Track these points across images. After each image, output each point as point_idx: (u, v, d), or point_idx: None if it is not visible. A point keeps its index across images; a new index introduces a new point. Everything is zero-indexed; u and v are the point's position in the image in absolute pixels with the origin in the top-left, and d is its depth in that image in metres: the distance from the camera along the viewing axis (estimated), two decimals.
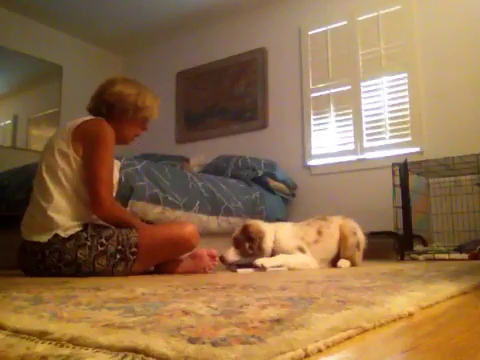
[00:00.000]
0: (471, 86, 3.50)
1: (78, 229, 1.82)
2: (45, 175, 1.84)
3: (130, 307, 0.82)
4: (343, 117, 4.09)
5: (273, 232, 2.33)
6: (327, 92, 4.19)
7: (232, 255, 2.24)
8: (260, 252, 2.25)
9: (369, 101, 3.97)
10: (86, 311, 0.79)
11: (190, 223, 2.09)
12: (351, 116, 4.03)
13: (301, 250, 2.31)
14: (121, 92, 1.99)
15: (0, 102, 4.57)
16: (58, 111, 4.89)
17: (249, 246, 2.25)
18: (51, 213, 1.78)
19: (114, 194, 2.01)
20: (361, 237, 2.49)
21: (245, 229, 2.30)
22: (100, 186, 1.80)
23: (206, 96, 4.96)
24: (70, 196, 1.83)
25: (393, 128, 3.82)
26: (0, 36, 4.46)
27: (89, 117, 1.95)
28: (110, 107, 1.97)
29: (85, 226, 1.84)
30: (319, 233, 2.42)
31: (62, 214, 1.80)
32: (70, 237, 1.78)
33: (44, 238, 1.77)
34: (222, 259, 2.22)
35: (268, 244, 2.28)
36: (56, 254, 1.76)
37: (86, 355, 0.51)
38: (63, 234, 1.78)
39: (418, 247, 3.11)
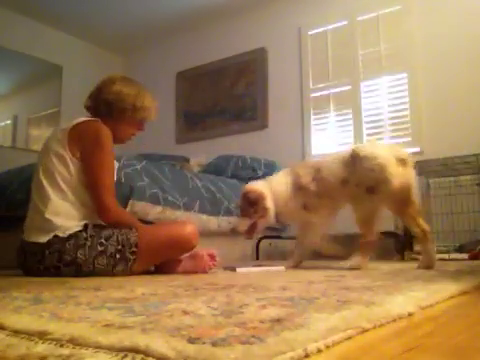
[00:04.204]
0: (471, 86, 3.50)
1: (77, 229, 1.82)
2: (42, 177, 1.84)
3: (130, 307, 0.82)
4: (343, 117, 4.09)
5: (270, 192, 2.26)
6: (327, 92, 4.19)
7: (243, 224, 2.25)
8: (266, 212, 2.22)
9: (369, 101, 3.97)
10: (86, 311, 0.79)
11: (190, 223, 2.09)
12: (351, 116, 4.03)
13: (305, 208, 2.24)
14: (120, 91, 1.98)
15: (0, 102, 4.57)
16: (58, 111, 4.89)
17: (254, 211, 2.23)
18: (49, 216, 1.78)
19: None
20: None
21: (245, 196, 2.27)
22: (103, 193, 1.82)
23: (206, 96, 4.96)
24: (68, 197, 1.82)
25: (393, 128, 3.82)
26: (0, 36, 4.46)
27: (84, 118, 1.94)
28: (109, 106, 1.96)
29: (85, 226, 1.84)
30: (318, 170, 2.22)
31: (60, 216, 1.80)
32: (69, 237, 1.78)
33: (43, 239, 1.77)
34: (236, 230, 2.25)
35: (270, 204, 2.24)
36: (56, 254, 1.76)
37: (86, 355, 0.51)
38: (62, 234, 1.78)
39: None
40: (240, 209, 2.30)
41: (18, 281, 1.58)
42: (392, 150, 2.13)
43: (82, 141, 1.84)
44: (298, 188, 2.24)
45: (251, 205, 2.22)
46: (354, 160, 2.12)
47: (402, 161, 2.06)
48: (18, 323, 0.67)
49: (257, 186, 2.29)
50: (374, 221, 2.11)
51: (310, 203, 2.23)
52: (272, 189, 2.27)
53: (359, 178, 2.08)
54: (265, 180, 2.35)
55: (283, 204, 2.25)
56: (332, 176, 2.17)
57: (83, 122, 1.91)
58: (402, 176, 2.04)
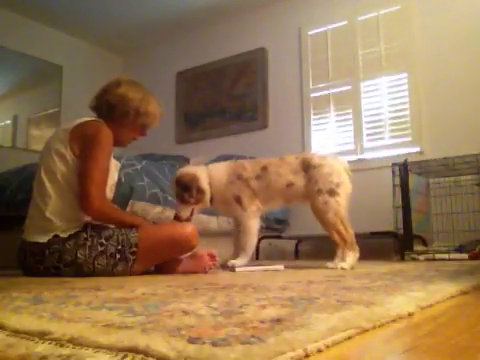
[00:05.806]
0: (471, 86, 3.50)
1: (77, 229, 1.82)
2: (43, 176, 1.83)
3: (130, 307, 0.82)
4: (343, 117, 4.09)
5: (206, 173, 2.22)
6: (327, 92, 4.19)
7: (184, 210, 2.18)
8: (202, 194, 2.18)
9: (369, 101, 3.97)
10: (86, 311, 0.79)
11: (190, 223, 2.09)
12: (351, 116, 4.03)
13: (237, 200, 2.21)
14: (124, 95, 1.96)
15: (0, 102, 4.57)
16: (58, 111, 4.89)
17: (189, 195, 2.15)
18: (49, 215, 1.78)
19: (112, 195, 2.01)
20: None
21: (178, 180, 2.19)
22: (90, 185, 1.77)
23: (206, 96, 4.96)
24: (68, 197, 1.82)
25: (393, 128, 3.82)
26: (0, 36, 4.46)
27: (88, 118, 1.93)
28: (111, 108, 1.95)
29: (85, 226, 1.84)
30: (264, 169, 2.26)
31: (60, 215, 1.80)
32: (70, 237, 1.78)
33: (43, 239, 1.77)
34: (178, 218, 2.18)
35: (205, 186, 2.19)
36: (56, 254, 1.76)
37: (86, 355, 0.51)
38: (62, 234, 1.78)
39: (418, 247, 3.11)
40: (176, 196, 2.21)
41: (18, 281, 1.58)
42: (337, 160, 2.35)
43: (82, 140, 1.84)
44: (237, 178, 2.24)
45: (186, 189, 2.16)
46: (307, 168, 2.22)
47: (346, 169, 2.29)
48: (18, 323, 0.67)
49: (191, 169, 2.26)
50: (346, 218, 2.20)
51: (243, 196, 2.22)
52: (209, 173, 2.24)
53: (322, 184, 2.17)
54: (203, 166, 2.33)
55: (217, 190, 2.23)
56: (279, 178, 2.23)
57: (86, 122, 1.90)
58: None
